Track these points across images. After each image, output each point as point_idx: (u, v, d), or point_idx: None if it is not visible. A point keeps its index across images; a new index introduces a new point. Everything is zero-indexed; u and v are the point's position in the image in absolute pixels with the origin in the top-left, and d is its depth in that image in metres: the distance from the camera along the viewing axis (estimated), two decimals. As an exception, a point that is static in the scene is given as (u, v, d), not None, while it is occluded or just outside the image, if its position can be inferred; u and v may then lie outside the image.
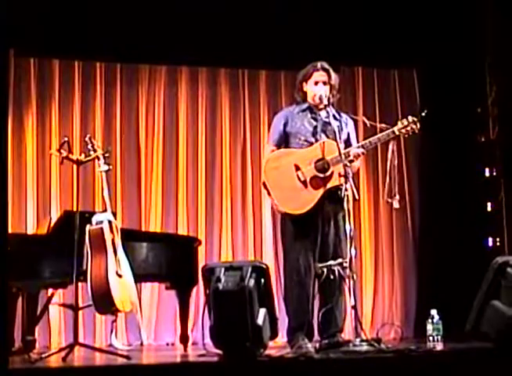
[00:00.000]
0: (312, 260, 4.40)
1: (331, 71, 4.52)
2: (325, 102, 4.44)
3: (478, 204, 6.64)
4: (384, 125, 4.44)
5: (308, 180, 4.39)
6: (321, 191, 4.35)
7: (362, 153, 4.42)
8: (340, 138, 4.36)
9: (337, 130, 4.33)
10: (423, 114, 4.54)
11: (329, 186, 4.36)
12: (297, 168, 4.42)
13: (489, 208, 6.60)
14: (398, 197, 4.44)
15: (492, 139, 6.59)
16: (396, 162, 4.46)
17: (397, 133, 4.38)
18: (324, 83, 4.50)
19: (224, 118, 6.96)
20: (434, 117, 6.81)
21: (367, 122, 4.62)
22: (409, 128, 4.38)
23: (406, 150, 7.10)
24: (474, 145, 6.74)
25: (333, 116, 4.46)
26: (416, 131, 4.40)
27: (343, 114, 4.59)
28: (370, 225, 7.02)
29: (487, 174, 6.65)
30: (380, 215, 7.02)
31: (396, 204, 4.46)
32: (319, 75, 4.50)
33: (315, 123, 4.50)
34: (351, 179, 4.24)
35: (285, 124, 4.53)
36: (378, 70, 7.21)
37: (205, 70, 6.96)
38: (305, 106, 4.56)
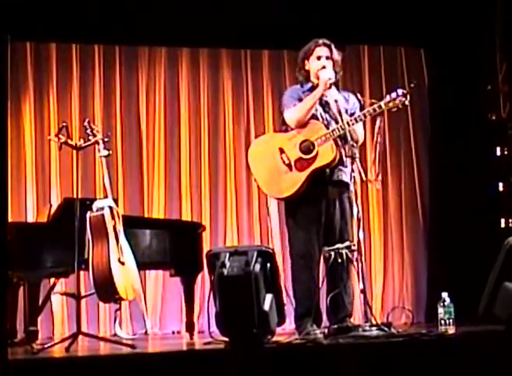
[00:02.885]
0: (317, 244, 4.38)
1: (333, 46, 4.48)
2: (333, 79, 4.38)
3: (490, 184, 6.54)
4: (374, 101, 4.36)
5: (292, 163, 4.37)
6: (306, 173, 4.32)
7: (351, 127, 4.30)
8: (342, 118, 4.30)
9: (343, 110, 4.31)
10: (412, 86, 4.61)
11: (313, 166, 4.32)
12: (282, 151, 4.40)
13: (501, 188, 6.53)
14: (380, 177, 4.34)
15: (503, 118, 6.52)
16: (380, 139, 4.33)
17: (384, 107, 4.28)
18: (327, 57, 4.46)
19: (226, 100, 6.87)
20: (443, 96, 6.79)
21: (360, 99, 4.54)
22: (397, 101, 4.27)
23: (415, 131, 7.02)
24: (485, 124, 6.64)
25: (336, 95, 4.41)
26: (407, 103, 4.29)
27: (345, 92, 4.54)
28: (379, 207, 6.95)
29: (498, 153, 6.57)
30: (389, 197, 6.95)
31: (379, 186, 4.40)
32: (321, 50, 4.46)
33: (319, 103, 4.43)
34: (357, 160, 4.18)
35: (299, 100, 4.46)
36: (384, 49, 7.10)
37: (206, 52, 6.86)
38: (309, 85, 4.51)
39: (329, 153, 4.31)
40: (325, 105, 4.45)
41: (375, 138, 4.30)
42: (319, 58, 4.45)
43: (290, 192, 4.35)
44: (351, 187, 4.26)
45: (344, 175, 4.41)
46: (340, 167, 4.40)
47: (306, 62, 4.51)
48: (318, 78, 4.44)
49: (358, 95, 4.58)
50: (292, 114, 4.44)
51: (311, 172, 4.32)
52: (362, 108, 4.49)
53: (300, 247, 4.39)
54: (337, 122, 4.35)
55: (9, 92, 6.09)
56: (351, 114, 4.40)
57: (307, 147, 4.34)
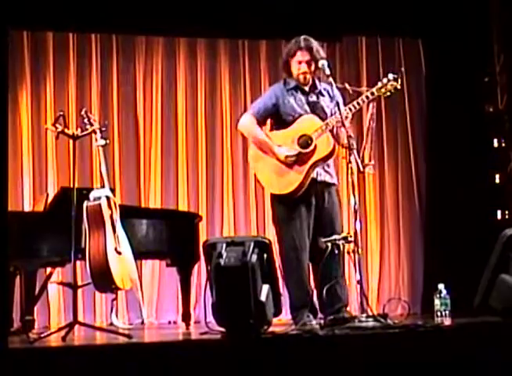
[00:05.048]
0: (307, 236, 4.43)
1: (314, 48, 4.45)
2: (309, 81, 4.48)
3: (486, 175, 6.55)
4: (365, 88, 4.43)
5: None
6: (306, 167, 4.38)
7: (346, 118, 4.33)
8: (330, 113, 4.41)
9: (325, 105, 4.43)
10: (403, 69, 4.72)
11: (313, 159, 4.38)
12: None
13: (498, 180, 6.53)
14: (372, 162, 4.37)
15: (501, 109, 6.52)
16: (374, 125, 4.38)
17: (376, 93, 4.32)
18: (307, 62, 4.47)
19: (224, 90, 6.84)
20: (441, 86, 6.78)
21: (349, 88, 4.52)
22: (389, 86, 4.31)
23: (412, 122, 7.01)
24: (482, 115, 6.64)
25: (320, 92, 4.51)
26: (398, 88, 4.33)
27: (327, 86, 4.54)
28: (375, 199, 6.94)
29: (495, 144, 6.57)
30: (386, 188, 6.94)
31: (371, 170, 4.39)
32: (302, 54, 4.46)
33: (304, 101, 4.50)
34: (355, 151, 4.20)
35: (275, 104, 4.51)
36: (382, 40, 7.07)
37: (204, 42, 6.83)
38: (293, 84, 4.54)
39: (327, 144, 4.36)
40: (311, 104, 4.50)
41: (367, 123, 4.33)
42: (299, 62, 4.47)
43: (293, 187, 4.38)
44: (349, 178, 4.22)
45: (328, 176, 4.50)
46: (325, 168, 4.48)
47: (290, 60, 4.52)
48: (299, 79, 4.49)
49: (347, 84, 4.57)
50: (245, 125, 4.55)
51: (311, 165, 4.38)
52: (349, 97, 4.51)
53: (291, 240, 4.42)
54: (323, 121, 4.40)
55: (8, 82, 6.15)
56: (337, 105, 4.38)
57: (305, 141, 4.38)
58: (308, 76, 4.48)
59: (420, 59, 7.08)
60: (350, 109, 4.34)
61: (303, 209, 4.41)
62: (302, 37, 4.51)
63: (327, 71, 4.32)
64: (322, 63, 4.34)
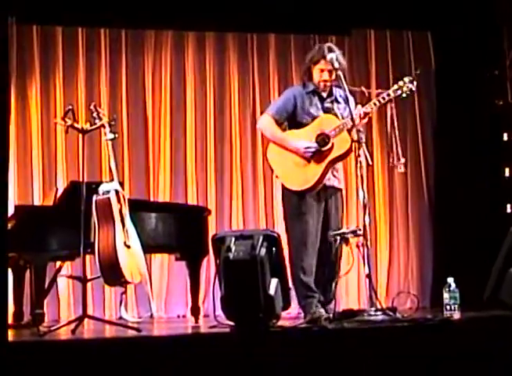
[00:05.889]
0: (316, 233, 4.50)
1: (337, 56, 4.52)
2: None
3: (496, 169, 6.51)
4: (380, 90, 4.58)
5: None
6: (324, 164, 4.48)
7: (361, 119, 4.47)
8: (344, 118, 4.52)
9: (339, 112, 4.54)
10: (418, 72, 4.87)
11: (331, 157, 4.48)
12: None
13: (507, 173, 6.49)
14: (403, 160, 4.57)
15: (510, 103, 6.49)
16: (396, 125, 4.57)
17: (392, 94, 4.46)
18: (329, 71, 4.57)
19: (233, 84, 6.82)
20: (450, 80, 6.75)
21: (365, 91, 4.75)
22: (405, 88, 4.47)
23: (421, 115, 6.99)
24: (492, 108, 6.60)
25: (336, 99, 4.62)
26: (414, 89, 4.48)
27: (342, 92, 4.61)
28: (385, 192, 6.92)
29: (505, 138, 6.53)
30: (395, 182, 6.92)
31: (401, 169, 4.61)
32: (325, 64, 4.55)
33: (319, 106, 4.60)
34: (364, 145, 4.32)
35: (295, 106, 4.62)
36: (391, 33, 7.04)
37: (212, 36, 6.81)
38: (311, 88, 4.64)
39: (345, 142, 4.43)
40: (326, 110, 4.60)
41: (389, 126, 4.54)
42: (322, 70, 4.57)
43: (310, 183, 4.48)
44: (359, 172, 4.32)
45: (337, 181, 4.61)
46: (334, 173, 4.57)
47: (312, 66, 4.61)
48: (319, 85, 4.59)
49: (363, 88, 4.68)
50: (264, 125, 4.66)
51: (329, 162, 4.48)
52: (368, 101, 4.60)
53: (300, 234, 4.48)
54: None
55: (13, 75, 6.18)
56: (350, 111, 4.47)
57: (323, 140, 4.48)
58: (328, 84, 4.60)
59: (429, 51, 7.04)
60: (366, 109, 4.46)
61: (314, 207, 4.50)
62: (326, 45, 4.64)
63: (343, 81, 4.44)
64: (339, 74, 4.45)
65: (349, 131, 4.41)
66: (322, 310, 4.33)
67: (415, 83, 4.46)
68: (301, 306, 4.51)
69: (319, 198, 4.52)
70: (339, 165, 4.63)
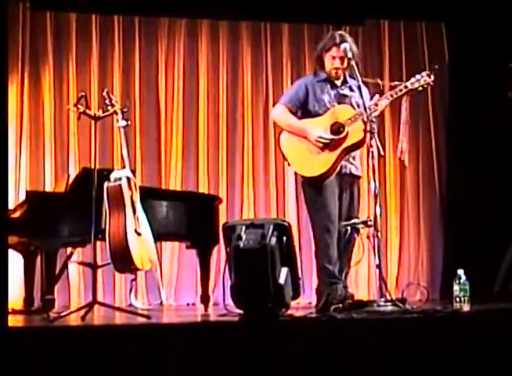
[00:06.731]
0: (337, 219, 4.49)
1: (350, 45, 4.52)
2: (341, 76, 4.60)
3: (508, 163, 6.46)
4: (397, 83, 4.57)
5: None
6: (338, 151, 4.48)
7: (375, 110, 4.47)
8: (356, 108, 4.51)
9: (353, 100, 4.52)
10: (436, 67, 4.73)
11: (345, 145, 4.48)
12: None
13: (520, 167, 6.44)
14: (406, 152, 4.63)
15: (524, 95, 6.42)
16: (408, 119, 4.65)
17: (410, 87, 4.48)
18: (341, 58, 4.56)
19: (246, 73, 6.82)
20: (463, 71, 6.70)
21: (380, 83, 4.75)
22: (422, 82, 4.48)
23: (434, 107, 6.96)
24: (506, 102, 6.55)
25: (350, 87, 4.61)
26: (431, 84, 4.50)
27: (355, 82, 4.58)
28: (396, 183, 6.92)
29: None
30: (407, 174, 6.90)
31: (406, 162, 4.71)
32: (336, 51, 4.55)
33: (332, 94, 4.60)
34: (376, 135, 4.29)
35: (306, 94, 4.61)
36: (405, 24, 7.01)
37: (226, 24, 6.80)
38: (323, 76, 4.64)
39: (359, 131, 4.42)
40: (340, 97, 4.59)
41: (402, 119, 4.60)
42: (333, 57, 4.57)
43: (322, 170, 4.46)
44: (370, 162, 4.29)
45: (354, 168, 4.60)
46: (351, 160, 4.57)
47: (324, 54, 4.60)
48: (331, 73, 4.59)
49: (378, 79, 4.68)
50: (278, 114, 4.65)
51: (342, 150, 4.47)
52: (381, 93, 4.61)
53: (325, 222, 4.47)
54: None
55: (27, 60, 6.18)
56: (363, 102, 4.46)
57: (337, 129, 4.48)
58: (340, 71, 4.58)
59: (442, 43, 7.02)
60: (381, 101, 4.46)
61: (333, 195, 4.50)
62: (338, 32, 4.63)
63: (357, 71, 4.42)
64: (352, 64, 4.44)
65: (364, 122, 4.39)
66: (349, 293, 4.37)
67: (432, 77, 4.46)
68: (318, 294, 4.49)
69: (337, 185, 4.51)
70: (355, 153, 4.61)
